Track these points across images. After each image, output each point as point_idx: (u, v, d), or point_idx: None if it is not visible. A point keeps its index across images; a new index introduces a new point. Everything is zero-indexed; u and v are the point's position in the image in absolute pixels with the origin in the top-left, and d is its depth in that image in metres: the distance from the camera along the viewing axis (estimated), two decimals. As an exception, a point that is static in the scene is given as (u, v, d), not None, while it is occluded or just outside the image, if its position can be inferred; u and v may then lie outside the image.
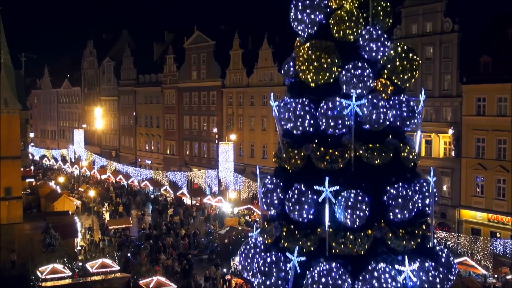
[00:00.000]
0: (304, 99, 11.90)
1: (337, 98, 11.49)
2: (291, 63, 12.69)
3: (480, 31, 39.11)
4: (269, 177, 12.52)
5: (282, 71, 13.23)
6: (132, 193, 61.85)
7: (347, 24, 11.60)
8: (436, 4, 40.13)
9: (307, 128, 11.77)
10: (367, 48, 11.81)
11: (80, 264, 34.70)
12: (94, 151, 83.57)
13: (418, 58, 12.73)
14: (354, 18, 11.63)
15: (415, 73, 12.68)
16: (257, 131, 55.79)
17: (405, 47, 12.56)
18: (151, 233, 41.22)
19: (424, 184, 12.19)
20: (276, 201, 12.18)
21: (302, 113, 11.65)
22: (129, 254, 36.01)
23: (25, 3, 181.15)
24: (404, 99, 12.22)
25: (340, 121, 11.38)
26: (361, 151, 11.50)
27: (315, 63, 11.67)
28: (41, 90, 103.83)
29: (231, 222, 42.17)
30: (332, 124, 11.41)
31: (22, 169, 56.09)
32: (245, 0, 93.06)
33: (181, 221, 47.52)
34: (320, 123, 11.56)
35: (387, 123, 11.81)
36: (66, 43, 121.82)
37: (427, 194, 12.11)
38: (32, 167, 74.42)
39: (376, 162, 11.53)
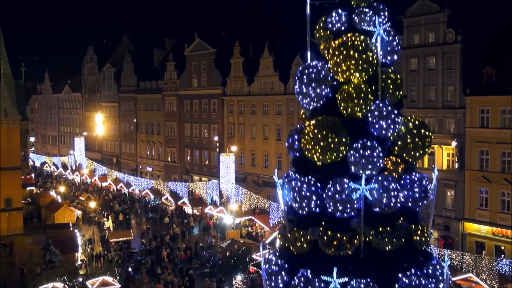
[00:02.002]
0: (310, 178, 11.28)
1: (345, 180, 10.89)
2: (296, 137, 11.94)
3: (483, 42, 38.72)
4: (273, 256, 11.94)
5: (286, 144, 12.51)
6: (132, 201, 61.66)
7: (355, 101, 10.98)
8: (439, 14, 39.75)
9: (313, 209, 11.16)
10: (377, 126, 11.17)
11: (81, 279, 34.52)
12: (95, 157, 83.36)
13: (430, 134, 12.03)
14: (362, 94, 11.01)
15: (427, 149, 11.99)
16: (258, 140, 55.44)
17: (417, 122, 11.88)
18: (152, 248, 40.88)
19: (438, 267, 11.58)
20: (281, 285, 11.57)
21: (308, 194, 11.04)
22: (130, 269, 35.74)
23: (26, 8, 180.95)
24: (416, 178, 11.53)
25: (348, 205, 10.76)
26: (371, 237, 10.92)
27: (321, 143, 11.01)
28: (41, 95, 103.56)
29: (233, 234, 41.87)
30: (340, 208, 10.80)
31: (22, 176, 55.97)
32: (245, 7, 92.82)
33: (182, 232, 47.22)
34: (328, 205, 10.96)
35: (399, 205, 11.19)
36: (66, 48, 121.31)
37: (440, 278, 11.52)
38: (32, 175, 74.07)
39: (387, 248, 10.96)
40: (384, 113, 11.07)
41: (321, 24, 11.82)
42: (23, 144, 54.03)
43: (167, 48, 74.76)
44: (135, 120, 74.66)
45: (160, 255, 39.49)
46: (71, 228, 44.38)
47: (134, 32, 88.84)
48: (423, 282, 11.04)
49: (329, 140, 10.83)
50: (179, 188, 56.33)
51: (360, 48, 10.86)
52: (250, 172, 56.48)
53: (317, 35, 11.91)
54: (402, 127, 11.53)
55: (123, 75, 77.20)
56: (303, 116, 12.26)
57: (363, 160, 10.67)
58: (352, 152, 10.93)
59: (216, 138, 59.57)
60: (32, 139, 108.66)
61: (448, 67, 39.44)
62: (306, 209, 11.12)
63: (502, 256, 35.78)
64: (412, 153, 11.71)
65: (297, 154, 11.89)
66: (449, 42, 39.22)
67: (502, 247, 36.47)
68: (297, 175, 11.60)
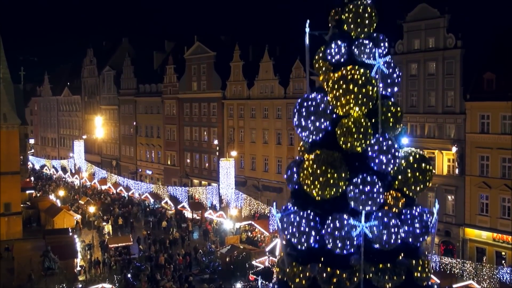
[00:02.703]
0: (309, 213, 11.09)
1: (345, 217, 10.69)
2: (295, 169, 11.76)
3: (484, 47, 38.56)
4: None
5: (285, 176, 12.34)
6: (131, 205, 61.59)
7: (355, 136, 10.79)
8: (439, 19, 39.61)
9: (313, 245, 10.97)
10: (377, 160, 10.97)
11: (80, 286, 34.44)
12: (94, 160, 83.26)
13: (431, 168, 11.90)
14: (362, 129, 10.80)
15: (428, 183, 11.79)
16: (258, 143, 55.32)
17: (417, 156, 11.75)
18: (152, 255, 40.75)
19: None
20: None
21: (307, 229, 10.86)
22: (129, 275, 35.65)
23: (25, 9, 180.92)
24: (416, 213, 11.35)
25: (348, 242, 10.58)
26: (371, 274, 10.74)
27: (320, 178, 10.82)
28: (41, 97, 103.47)
29: (233, 240, 41.78)
30: (339, 245, 10.62)
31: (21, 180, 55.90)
32: (245, 10, 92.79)
33: (181, 237, 47.12)
34: (327, 241, 10.78)
35: (399, 241, 11.01)
36: (66, 50, 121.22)
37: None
38: (32, 178, 73.94)
39: (388, 286, 10.78)
40: (384, 148, 10.89)
41: (320, 55, 11.66)
42: (22, 149, 53.96)
43: (167, 50, 74.66)
44: (134, 123, 74.54)
45: (158, 261, 39.42)
46: (70, 234, 44.31)
47: (133, 35, 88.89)
48: None
49: (328, 175, 10.64)
50: (179, 193, 56.20)
51: (360, 82, 10.68)
52: (250, 176, 56.36)
53: (316, 65, 11.74)
54: (403, 161, 11.34)
55: (122, 78, 77.10)
56: (302, 148, 12.05)
57: (363, 196, 10.50)
58: (351, 187, 10.75)
59: (216, 142, 59.46)
60: (31, 141, 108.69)
61: (449, 72, 39.31)
62: (305, 244, 10.97)
63: (503, 261, 35.74)
64: (413, 187, 11.53)
65: (296, 187, 11.69)
66: (449, 47, 39.09)
67: (503, 253, 36.37)
68: (296, 208, 11.42)
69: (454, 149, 38.55)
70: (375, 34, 11.52)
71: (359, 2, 11.16)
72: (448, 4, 39.33)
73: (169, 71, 67.55)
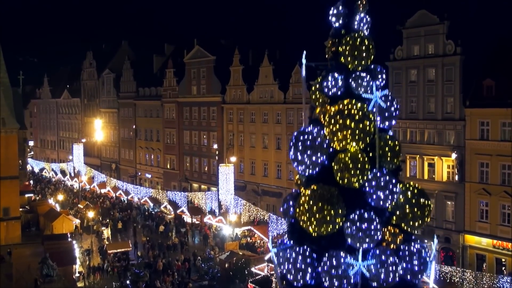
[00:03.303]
0: (305, 248, 10.91)
1: (342, 254, 10.53)
2: (291, 203, 11.58)
3: (483, 53, 38.48)
4: None
5: (281, 209, 12.16)
6: (130, 209, 61.56)
7: (352, 172, 10.65)
8: (438, 26, 39.53)
9: (309, 282, 10.80)
10: (374, 196, 10.81)
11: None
12: (94, 163, 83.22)
13: (430, 203, 11.68)
14: (359, 164, 10.65)
15: (426, 219, 11.58)
16: (258, 148, 55.23)
17: (415, 191, 11.50)
18: (151, 262, 40.64)
19: None
20: None
21: (303, 266, 10.67)
22: (128, 282, 35.57)
23: (25, 12, 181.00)
24: (415, 249, 11.14)
25: (345, 280, 10.41)
26: None
27: (317, 215, 10.65)
28: (40, 99, 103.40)
29: (232, 246, 41.66)
30: (336, 283, 10.44)
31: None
32: (245, 13, 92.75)
33: (180, 242, 47.02)
34: (323, 279, 10.62)
35: (397, 279, 10.82)
36: (65, 52, 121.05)
37: None
38: (31, 181, 73.80)
39: None
40: (382, 183, 10.73)
41: (317, 86, 11.55)
42: (21, 153, 53.82)
43: (167, 54, 74.64)
44: (134, 127, 74.46)
45: (157, 267, 39.33)
46: (69, 239, 44.17)
47: (133, 37, 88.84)
48: None
49: (325, 212, 10.48)
50: (178, 198, 56.11)
51: (357, 117, 10.57)
52: (249, 180, 56.28)
53: (313, 96, 11.62)
54: (401, 196, 11.21)
55: (122, 81, 77.03)
56: (299, 182, 11.90)
57: (360, 233, 10.35)
58: (348, 224, 10.60)
59: (215, 146, 59.37)
60: (31, 143, 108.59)
61: (448, 79, 39.24)
62: (301, 281, 10.82)
63: (503, 268, 35.65)
64: (411, 223, 11.35)
65: (292, 220, 11.53)
66: (448, 53, 39.01)
67: (503, 260, 36.30)
68: (292, 242, 11.28)
69: (453, 155, 38.47)
70: (372, 66, 11.40)
71: (356, 35, 11.03)
72: (448, 11, 39.25)
73: (168, 74, 67.48)
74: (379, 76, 11.43)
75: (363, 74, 10.97)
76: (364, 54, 10.97)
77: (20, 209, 54.93)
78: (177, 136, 66.55)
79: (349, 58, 11.02)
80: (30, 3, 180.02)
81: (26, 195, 62.45)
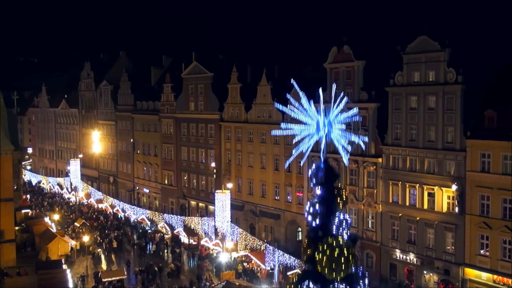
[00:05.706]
0: None
1: None
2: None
3: (485, 83, 37.64)
4: None
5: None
6: (127, 225, 61.04)
7: None
8: (439, 53, 38.69)
9: None
10: None
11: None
12: (92, 175, 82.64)
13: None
14: None
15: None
16: (255, 168, 54.45)
17: None
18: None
19: None
20: None
21: None
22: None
23: (24, 18, 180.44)
24: None
25: None
26: None
27: None
28: (38, 108, 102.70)
29: (228, 276, 40.94)
30: None
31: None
32: (244, 28, 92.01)
33: (176, 267, 46.38)
34: None
35: None
36: (63, 61, 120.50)
37: None
38: (28, 196, 73.08)
39: None
40: None
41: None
42: (15, 175, 53.00)
43: (164, 66, 73.93)
44: (132, 140, 73.70)
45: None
46: (64, 266, 43.53)
47: (131, 48, 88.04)
48: None
49: None
50: (174, 221, 55.42)
51: None
52: (247, 200, 55.55)
53: None
54: None
55: (119, 94, 76.23)
56: None
57: None
58: None
59: (213, 164, 58.60)
60: (29, 150, 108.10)
61: (449, 108, 38.43)
62: None
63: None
64: None
65: None
66: (449, 82, 38.18)
67: (503, 295, 35.59)
68: None
69: (454, 187, 37.69)
70: (353, 270, 10.58)
71: (334, 243, 10.14)
72: (449, 38, 38.41)
73: (166, 89, 66.70)
74: (361, 282, 10.59)
75: (342, 286, 10.16)
76: (343, 266, 10.11)
77: (16, 228, 54.37)
78: (174, 151, 65.81)
79: (326, 270, 10.18)
80: (29, 11, 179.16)
81: (23, 211, 61.93)
